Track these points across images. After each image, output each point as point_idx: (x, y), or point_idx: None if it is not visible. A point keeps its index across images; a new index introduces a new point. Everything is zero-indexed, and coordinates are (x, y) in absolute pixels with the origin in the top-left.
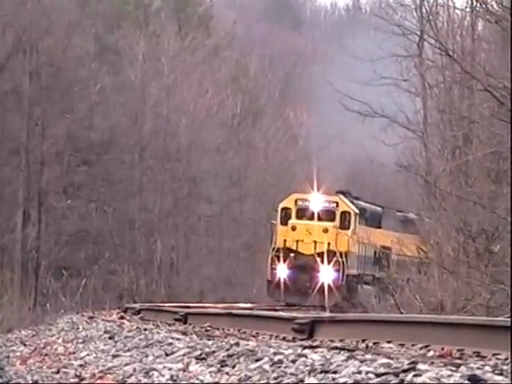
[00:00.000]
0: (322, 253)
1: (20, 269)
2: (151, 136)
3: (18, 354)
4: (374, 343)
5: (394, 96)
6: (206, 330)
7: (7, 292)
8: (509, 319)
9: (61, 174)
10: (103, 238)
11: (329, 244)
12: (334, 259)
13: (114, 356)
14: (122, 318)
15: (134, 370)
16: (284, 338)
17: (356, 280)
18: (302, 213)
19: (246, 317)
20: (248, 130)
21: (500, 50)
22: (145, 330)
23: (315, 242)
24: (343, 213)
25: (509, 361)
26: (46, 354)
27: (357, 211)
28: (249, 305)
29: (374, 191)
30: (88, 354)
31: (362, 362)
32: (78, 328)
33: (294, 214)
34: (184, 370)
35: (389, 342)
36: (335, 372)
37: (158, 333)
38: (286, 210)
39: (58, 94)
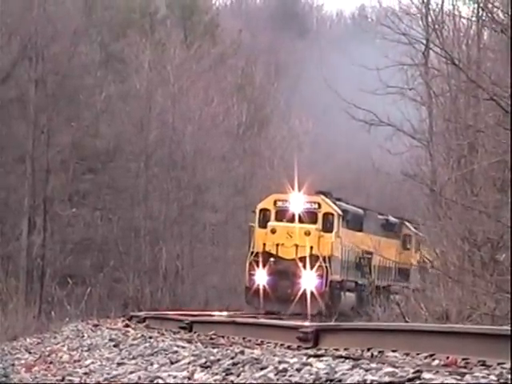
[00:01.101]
0: (304, 257)
1: (25, 276)
2: (157, 144)
3: (22, 361)
4: (379, 352)
5: (399, 105)
6: (211, 338)
7: (12, 300)
8: None
9: (66, 182)
10: (108, 246)
11: (311, 248)
12: (317, 264)
13: (119, 364)
14: (126, 326)
15: (139, 378)
16: (289, 347)
17: (339, 287)
18: (282, 214)
19: (250, 325)
20: (253, 138)
21: (506, 59)
22: (150, 338)
23: (296, 246)
24: (326, 214)
25: None
26: (51, 362)
27: (340, 213)
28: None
29: (380, 200)
30: (93, 362)
31: (367, 370)
32: (83, 336)
33: (273, 216)
34: (189, 378)
35: (394, 350)
36: (340, 381)
37: (162, 341)
38: (264, 211)
39: (63, 101)
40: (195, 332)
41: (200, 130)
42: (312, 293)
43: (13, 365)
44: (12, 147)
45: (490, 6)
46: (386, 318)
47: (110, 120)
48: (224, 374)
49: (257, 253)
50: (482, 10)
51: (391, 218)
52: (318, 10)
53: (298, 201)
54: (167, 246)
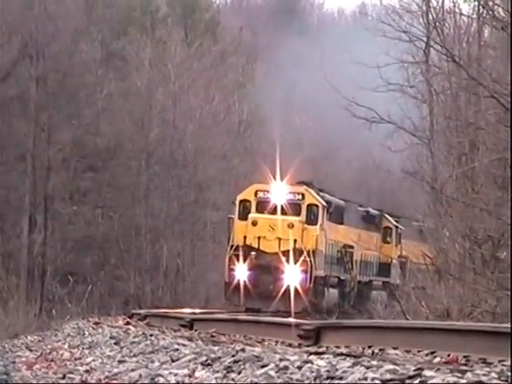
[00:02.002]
0: (288, 251)
1: (26, 274)
2: (157, 142)
3: (23, 359)
4: (380, 349)
5: (400, 102)
6: (212, 336)
7: (13, 298)
8: None
9: (67, 180)
10: (109, 244)
11: (295, 241)
12: (301, 258)
13: (120, 362)
14: (127, 323)
15: (140, 375)
16: (290, 345)
17: (323, 282)
18: (264, 206)
19: (251, 323)
20: (254, 136)
21: (506, 56)
22: (150, 335)
23: (279, 239)
24: (310, 206)
25: None
26: (52, 360)
27: (325, 204)
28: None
29: (380, 197)
30: (94, 360)
31: (367, 368)
32: (84, 334)
33: (254, 207)
34: (190, 376)
35: (395, 348)
36: (341, 378)
37: (163, 339)
38: (244, 202)
39: (64, 99)
40: (196, 330)
41: (201, 128)
42: (296, 289)
43: (13, 362)
44: (13, 145)
45: (490, 3)
46: (386, 316)
47: (111, 118)
48: (225, 371)
49: (237, 246)
50: (483, 7)
51: (371, 210)
52: (318, 7)
53: (280, 191)
54: (168, 244)
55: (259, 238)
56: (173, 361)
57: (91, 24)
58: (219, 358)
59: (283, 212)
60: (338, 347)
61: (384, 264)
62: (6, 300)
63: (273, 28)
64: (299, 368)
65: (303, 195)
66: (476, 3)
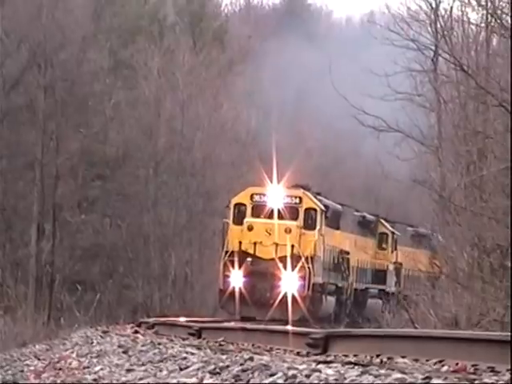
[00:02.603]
0: (285, 257)
1: (34, 283)
2: (166, 151)
3: (31, 368)
4: (389, 358)
5: (408, 111)
6: (220, 345)
7: (21, 306)
8: None
9: (75, 189)
10: (117, 253)
11: (292, 247)
12: (299, 265)
13: (128, 370)
14: (136, 332)
15: None
16: (298, 353)
17: (320, 290)
18: (260, 210)
19: (260, 331)
20: (262, 144)
21: None
22: (159, 344)
23: (276, 245)
24: (308, 210)
25: None
26: (60, 369)
27: (323, 208)
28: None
29: (389, 206)
30: (102, 369)
31: (376, 377)
32: (92, 342)
33: (249, 211)
34: None
35: (403, 356)
36: None
37: (172, 347)
38: (239, 206)
39: (72, 108)
40: (204, 338)
41: (209, 137)
42: (293, 296)
43: (22, 371)
44: (21, 154)
45: (498, 12)
46: (395, 324)
47: (119, 127)
48: (233, 380)
49: (232, 252)
50: (491, 16)
51: (367, 215)
52: (327, 15)
53: (277, 195)
54: (176, 253)
55: (255, 243)
56: (181, 369)
57: (99, 33)
58: (227, 366)
59: (280, 216)
60: (346, 356)
61: (379, 271)
62: (14, 309)
63: (281, 36)
64: (307, 376)
65: (301, 199)
66: (484, 12)
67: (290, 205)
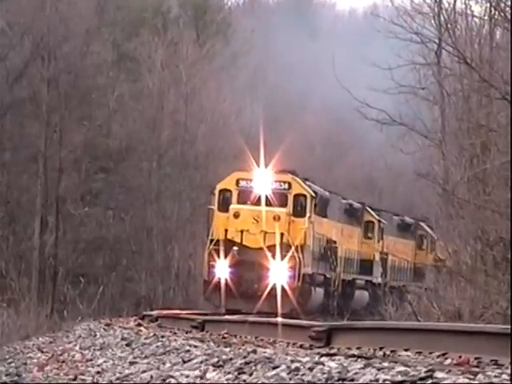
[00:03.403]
0: (274, 246)
1: (37, 276)
2: (169, 144)
3: (35, 360)
4: (392, 351)
5: (411, 104)
6: (223, 338)
7: (25, 299)
8: None
9: (78, 182)
10: (121, 246)
11: (281, 235)
12: (289, 254)
13: (131, 363)
14: (139, 325)
15: (151, 377)
16: (301, 346)
17: (310, 281)
18: (246, 196)
19: (263, 324)
20: (265, 137)
21: None
22: (162, 337)
23: (264, 233)
24: (297, 196)
25: None
26: (63, 361)
27: (313, 194)
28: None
29: (392, 199)
30: (105, 361)
31: (379, 369)
32: (96, 335)
33: (235, 198)
34: (201, 378)
35: (406, 349)
36: (352, 380)
37: (175, 340)
38: (224, 192)
39: (75, 101)
40: (207, 331)
41: (212, 130)
42: (283, 288)
43: (25, 364)
44: (24, 146)
45: (502, 5)
46: (398, 317)
47: (123, 119)
48: (236, 373)
49: (217, 241)
50: (495, 9)
51: (354, 203)
52: (330, 9)
53: (264, 180)
54: (180, 246)
55: (242, 231)
56: (184, 362)
57: (103, 25)
58: (231, 359)
59: (268, 203)
60: (349, 349)
61: (366, 261)
62: (17, 301)
63: (284, 29)
64: (310, 369)
65: (290, 184)
66: (488, 5)
67: (279, 191)
